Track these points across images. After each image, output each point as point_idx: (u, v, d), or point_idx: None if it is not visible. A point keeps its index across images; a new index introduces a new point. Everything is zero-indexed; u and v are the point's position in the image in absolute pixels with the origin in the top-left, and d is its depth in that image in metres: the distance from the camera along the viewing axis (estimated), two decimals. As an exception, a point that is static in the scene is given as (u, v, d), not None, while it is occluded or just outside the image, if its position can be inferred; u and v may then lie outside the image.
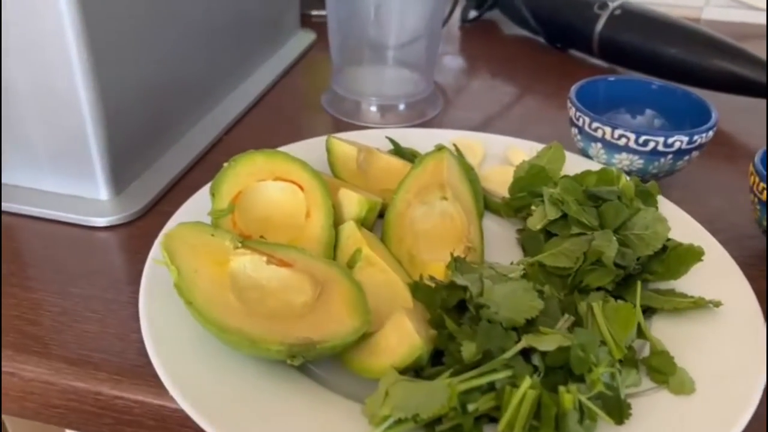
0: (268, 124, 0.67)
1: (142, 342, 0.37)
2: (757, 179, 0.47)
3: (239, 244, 0.40)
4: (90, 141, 0.48)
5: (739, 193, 0.58)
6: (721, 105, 0.57)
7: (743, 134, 0.67)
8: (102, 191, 0.51)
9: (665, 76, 0.73)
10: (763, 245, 0.51)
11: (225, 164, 0.45)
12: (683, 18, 0.75)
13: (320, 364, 0.37)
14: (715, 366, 0.37)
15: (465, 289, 0.35)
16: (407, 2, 0.65)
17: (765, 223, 0.47)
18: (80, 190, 0.51)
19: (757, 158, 0.48)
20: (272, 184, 0.45)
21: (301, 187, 0.45)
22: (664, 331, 0.39)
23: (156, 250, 0.42)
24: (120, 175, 0.51)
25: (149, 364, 0.36)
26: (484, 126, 0.69)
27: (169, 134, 0.58)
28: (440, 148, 0.49)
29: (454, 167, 0.48)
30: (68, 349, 0.40)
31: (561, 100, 0.75)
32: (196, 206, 0.47)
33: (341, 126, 0.67)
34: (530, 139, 0.60)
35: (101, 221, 0.50)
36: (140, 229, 0.50)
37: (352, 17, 0.66)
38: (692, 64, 0.71)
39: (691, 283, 0.42)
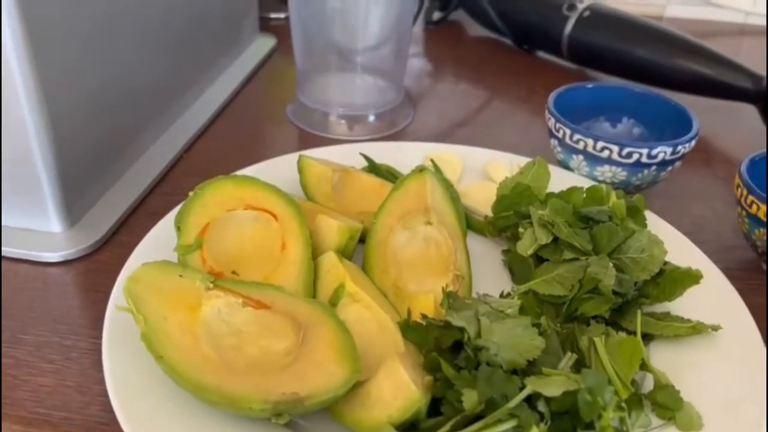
0: (231, 138, 0.63)
1: (106, 395, 0.34)
2: (745, 192, 0.45)
3: (211, 285, 0.37)
4: (38, 168, 0.44)
5: (719, 201, 0.57)
6: (691, 108, 0.56)
7: (716, 138, 0.67)
8: (54, 223, 0.46)
9: (635, 78, 0.72)
10: (749, 256, 0.50)
11: (190, 193, 0.42)
12: (646, 15, 0.75)
13: (307, 416, 0.34)
14: (720, 395, 0.36)
15: (461, 329, 0.33)
16: (373, 3, 0.62)
17: (754, 238, 0.46)
18: (30, 223, 0.46)
19: (742, 168, 0.47)
20: (243, 214, 0.42)
21: (274, 216, 0.42)
22: (663, 358, 0.38)
23: (118, 295, 0.39)
24: (73, 204, 0.47)
25: (115, 421, 0.33)
26: (455, 135, 0.67)
27: (125, 156, 0.54)
28: (421, 169, 0.46)
29: (437, 189, 0.45)
30: (23, 408, 0.36)
31: (532, 105, 0.73)
32: (159, 238, 0.44)
33: (308, 138, 0.64)
34: (506, 148, 0.58)
35: (54, 256, 0.45)
36: (98, 263, 0.46)
37: (315, 20, 0.63)
38: (661, 66, 0.70)
39: (683, 303, 0.41)
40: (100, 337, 0.39)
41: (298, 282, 0.39)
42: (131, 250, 0.43)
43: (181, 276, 0.37)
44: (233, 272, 0.40)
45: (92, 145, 0.49)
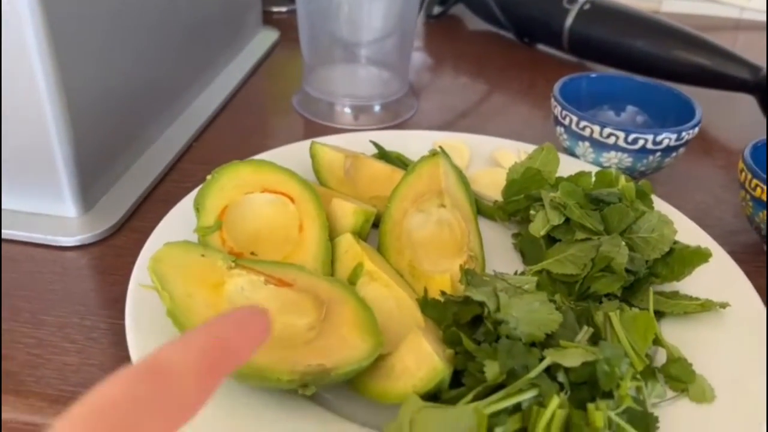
0: (238, 128, 0.64)
1: (129, 373, 0.34)
2: (749, 176, 0.46)
3: (233, 264, 0.37)
4: (56, 153, 0.45)
5: (720, 187, 0.58)
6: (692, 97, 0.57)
7: (715, 128, 0.68)
8: (70, 208, 0.47)
9: (635, 70, 0.73)
10: (752, 239, 0.51)
11: (208, 176, 0.42)
12: (643, 9, 0.76)
13: (331, 389, 0.35)
14: (729, 369, 0.37)
15: (481, 304, 0.33)
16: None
17: (758, 221, 0.47)
18: (47, 208, 0.47)
19: (746, 153, 0.48)
20: (261, 197, 0.42)
21: (291, 199, 0.42)
22: (673, 335, 0.39)
23: (140, 274, 0.39)
24: (88, 190, 0.48)
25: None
26: (458, 125, 0.68)
27: (138, 143, 0.54)
28: (434, 154, 0.47)
29: (450, 173, 0.46)
30: (48, 386, 0.36)
31: (533, 97, 0.74)
32: (176, 222, 0.44)
33: (314, 128, 0.65)
34: (509, 138, 0.59)
35: (71, 240, 0.46)
36: (113, 248, 0.47)
37: (322, 13, 0.64)
38: (660, 58, 0.71)
39: (691, 282, 0.42)
40: (118, 318, 0.40)
41: (316, 262, 0.40)
42: (145, 235, 0.43)
43: (203, 255, 0.37)
44: (252, 253, 0.40)
45: (106, 134, 0.49)
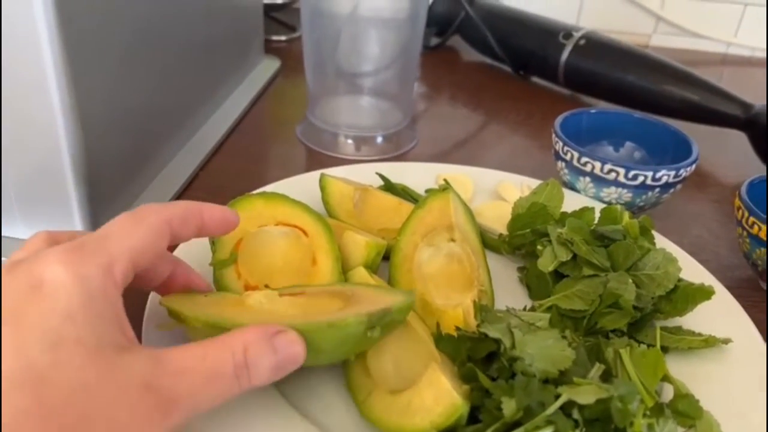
0: (243, 157, 0.65)
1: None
2: (746, 213, 0.48)
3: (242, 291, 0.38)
4: (68, 180, 0.45)
5: (715, 222, 0.60)
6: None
7: (708, 163, 0.70)
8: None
9: (629, 105, 0.75)
10: (748, 274, 0.53)
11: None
12: (634, 44, 0.78)
13: (350, 426, 0.35)
14: (733, 404, 0.38)
15: (497, 341, 0.34)
16: (382, 29, 0.65)
17: (755, 257, 0.48)
18: (57, 235, 0.47)
19: (743, 191, 0.50)
20: (275, 229, 0.43)
21: (304, 232, 0.43)
22: (678, 369, 0.40)
23: (152, 314, 0.39)
24: (99, 218, 0.48)
25: None
26: (456, 156, 0.69)
27: (148, 169, 0.55)
28: (444, 189, 0.48)
29: (460, 208, 0.47)
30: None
31: (529, 128, 0.76)
32: (187, 253, 0.45)
33: (317, 158, 0.66)
34: (507, 169, 0.60)
35: (81, 270, 0.46)
36: (124, 277, 0.47)
37: (327, 42, 0.65)
38: (655, 93, 0.73)
39: (693, 318, 0.43)
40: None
41: (330, 296, 0.40)
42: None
43: (206, 296, 0.38)
44: (266, 286, 0.41)
45: (117, 161, 0.50)
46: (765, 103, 0.66)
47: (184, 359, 0.27)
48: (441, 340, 0.37)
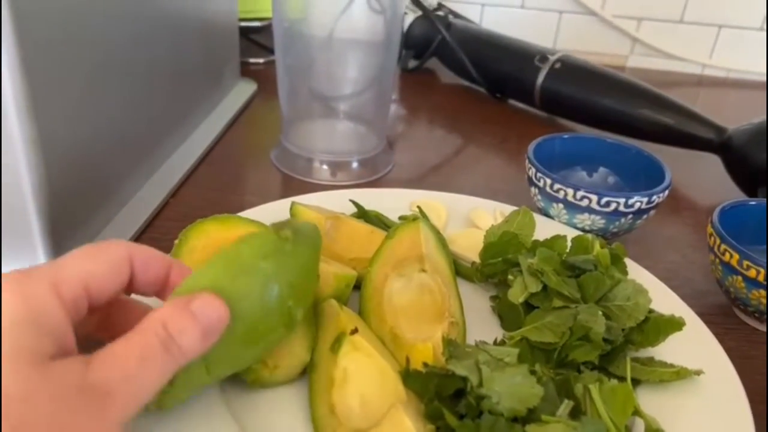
0: (216, 183, 0.64)
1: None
2: (718, 240, 0.48)
3: None
4: (30, 214, 0.44)
5: (689, 247, 0.60)
6: (658, 157, 0.59)
7: (683, 186, 0.70)
8: (44, 270, 0.46)
9: (604, 128, 0.76)
10: (721, 301, 0.53)
11: (176, 241, 0.42)
12: (609, 66, 0.79)
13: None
14: (704, 437, 0.37)
15: (464, 379, 0.34)
16: (355, 51, 0.65)
17: (727, 284, 0.48)
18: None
19: (714, 218, 0.49)
20: None
21: None
22: (649, 401, 0.39)
23: None
24: (63, 251, 0.46)
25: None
26: (432, 180, 0.69)
27: (113, 202, 0.54)
28: (414, 218, 0.47)
29: (430, 238, 0.46)
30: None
31: (505, 151, 0.76)
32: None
33: (292, 183, 0.65)
34: (483, 193, 0.60)
35: (44, 304, 0.45)
36: (88, 311, 0.46)
37: (301, 67, 0.65)
38: (630, 117, 0.73)
39: (665, 348, 0.43)
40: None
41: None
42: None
43: None
44: None
45: (81, 193, 0.49)
46: (740, 125, 0.67)
47: (112, 352, 0.28)
48: (408, 377, 0.36)
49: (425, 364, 0.36)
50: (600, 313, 0.39)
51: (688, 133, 0.70)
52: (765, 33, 1.01)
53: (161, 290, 0.34)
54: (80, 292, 0.29)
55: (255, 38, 0.94)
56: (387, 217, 0.54)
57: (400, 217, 0.55)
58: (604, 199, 0.52)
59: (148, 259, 0.33)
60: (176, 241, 0.42)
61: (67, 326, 0.29)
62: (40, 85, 0.41)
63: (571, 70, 0.78)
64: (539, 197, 0.56)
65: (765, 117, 0.65)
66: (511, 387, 0.33)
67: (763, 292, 0.46)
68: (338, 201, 0.55)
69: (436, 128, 0.82)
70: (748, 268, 0.46)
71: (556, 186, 0.53)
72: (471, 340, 0.43)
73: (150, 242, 0.53)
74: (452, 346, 0.37)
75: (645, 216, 0.54)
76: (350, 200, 0.55)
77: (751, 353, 0.48)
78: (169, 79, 0.61)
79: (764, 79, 1.05)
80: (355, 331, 0.39)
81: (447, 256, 0.48)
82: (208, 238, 0.42)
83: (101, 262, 0.31)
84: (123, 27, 0.51)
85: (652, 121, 0.71)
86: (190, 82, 0.67)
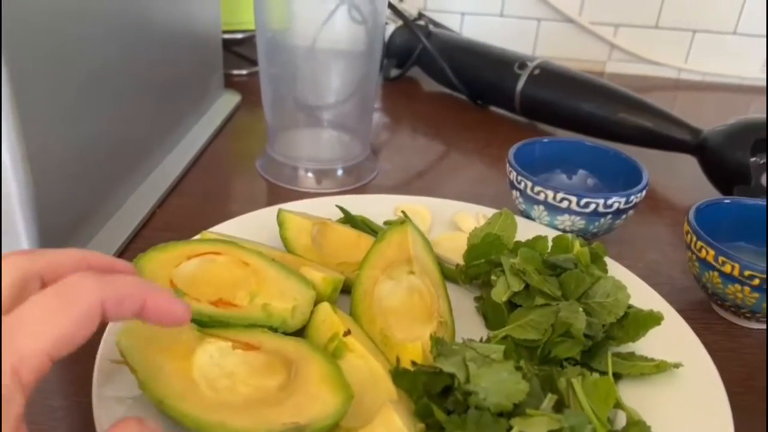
0: (202, 192, 0.65)
1: (97, 454, 0.34)
2: (694, 238, 0.49)
3: (199, 334, 0.38)
4: (19, 226, 0.44)
5: (668, 246, 0.61)
6: (636, 158, 0.60)
7: (661, 186, 0.72)
8: (33, 281, 0.46)
9: (584, 132, 0.77)
10: (700, 297, 0.54)
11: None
12: (588, 71, 0.80)
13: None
14: (685, 429, 0.38)
15: (452, 375, 0.34)
16: (338, 61, 0.66)
17: (704, 280, 0.50)
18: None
19: (690, 216, 0.51)
20: (198, 259, 0.43)
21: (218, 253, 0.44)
22: (631, 395, 0.40)
23: (106, 350, 0.39)
24: (52, 263, 0.47)
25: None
26: (416, 186, 0.70)
27: (100, 213, 0.54)
28: (402, 222, 0.48)
29: (418, 240, 0.47)
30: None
31: (487, 157, 0.77)
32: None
33: (278, 192, 0.66)
34: (466, 198, 0.61)
35: (34, 315, 0.45)
36: (78, 321, 0.46)
37: (284, 77, 0.66)
38: (608, 120, 0.75)
39: (645, 343, 0.44)
40: (83, 395, 0.39)
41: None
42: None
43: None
44: (220, 299, 0.41)
45: (69, 205, 0.49)
46: (714, 127, 0.68)
47: None
48: (398, 376, 0.37)
49: (413, 363, 0.37)
50: (580, 309, 0.41)
51: (665, 135, 0.71)
52: (738, 37, 1.04)
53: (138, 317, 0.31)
54: (44, 364, 0.26)
55: (237, 50, 0.95)
56: (373, 222, 0.55)
57: (386, 222, 0.56)
58: (584, 200, 0.53)
59: (124, 297, 0.29)
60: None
61: (20, 414, 0.26)
62: (28, 99, 0.42)
63: (550, 76, 0.79)
64: (521, 200, 0.57)
65: (738, 118, 0.67)
66: (497, 383, 0.34)
67: (738, 287, 0.47)
68: (325, 208, 0.56)
69: (420, 135, 0.83)
70: (724, 263, 0.47)
71: (537, 188, 0.55)
72: (458, 339, 0.44)
73: (136, 253, 0.54)
74: (440, 344, 0.38)
75: (624, 216, 0.55)
76: (337, 206, 0.56)
77: (729, 346, 0.49)
78: (155, 92, 0.62)
79: (739, 81, 1.08)
80: (348, 332, 0.39)
81: (434, 259, 0.49)
82: (159, 261, 0.43)
83: (70, 321, 0.27)
84: (110, 40, 0.52)
85: (630, 124, 0.73)
86: (176, 93, 0.68)
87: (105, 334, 0.41)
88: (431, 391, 0.35)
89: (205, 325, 0.39)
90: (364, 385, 0.37)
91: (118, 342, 0.36)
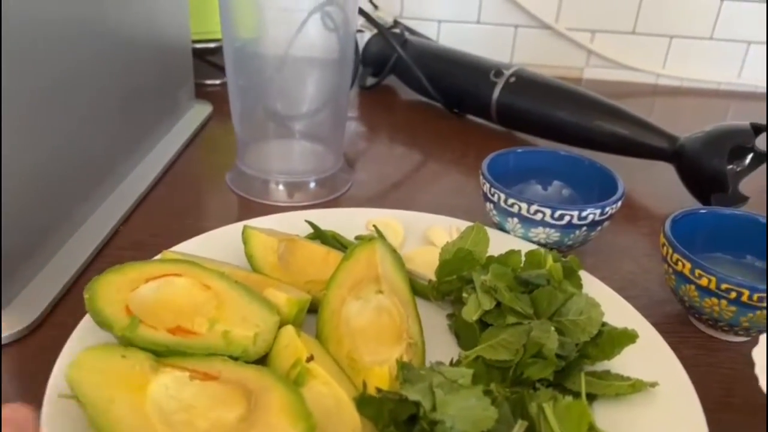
0: (169, 208, 0.63)
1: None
2: (670, 250, 0.48)
3: (155, 363, 0.36)
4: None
5: (645, 257, 0.60)
6: (613, 166, 0.60)
7: (638, 195, 0.71)
8: (-15, 306, 0.44)
9: (561, 140, 0.76)
10: (677, 309, 0.53)
11: (86, 295, 0.40)
12: (566, 77, 0.79)
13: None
14: (661, 451, 0.37)
15: (417, 404, 0.33)
16: (310, 70, 0.64)
17: (681, 293, 0.49)
18: (-42, 307, 0.44)
19: (666, 228, 0.50)
20: (157, 281, 0.41)
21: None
22: (605, 416, 0.39)
23: (57, 382, 0.37)
24: (7, 284, 0.45)
25: None
26: (392, 197, 0.69)
27: (61, 231, 0.52)
28: (370, 238, 0.47)
29: (387, 257, 0.46)
30: None
31: (465, 167, 0.76)
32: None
33: (248, 206, 0.64)
34: (442, 210, 0.60)
35: (-14, 341, 0.43)
36: (33, 347, 0.44)
37: (253, 89, 0.64)
38: (584, 128, 0.74)
39: (621, 360, 0.42)
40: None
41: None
42: (68, 331, 0.41)
43: (123, 356, 0.36)
44: (178, 327, 0.39)
45: (28, 223, 0.47)
46: (691, 134, 0.68)
47: None
48: (362, 403, 0.36)
49: (378, 390, 0.36)
50: (552, 328, 0.39)
51: (642, 143, 0.70)
52: (714, 42, 1.04)
53: None
54: None
55: (211, 59, 0.93)
56: (344, 237, 0.54)
57: (357, 237, 0.54)
58: (558, 212, 0.52)
59: None
60: (86, 295, 0.40)
61: None
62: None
63: (525, 84, 0.78)
64: (494, 212, 0.56)
65: (715, 125, 0.66)
66: (464, 410, 0.33)
67: (715, 300, 0.46)
68: (294, 222, 0.55)
69: (397, 145, 0.82)
70: (700, 276, 0.46)
71: (510, 201, 0.53)
72: (431, 359, 0.42)
73: (97, 273, 0.52)
74: (406, 370, 0.36)
75: (599, 227, 0.54)
76: (306, 221, 0.54)
77: (707, 361, 0.48)
78: (120, 103, 0.60)
79: (716, 87, 1.08)
80: (310, 358, 0.38)
81: (404, 275, 0.47)
82: (120, 282, 0.41)
83: None
84: (71, 50, 0.50)
85: (607, 132, 0.72)
86: (143, 105, 0.66)
87: (56, 367, 0.39)
88: (397, 419, 0.34)
89: (162, 354, 0.37)
90: (328, 414, 0.36)
91: (67, 375, 0.34)
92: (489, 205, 0.56)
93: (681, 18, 1.02)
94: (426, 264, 0.52)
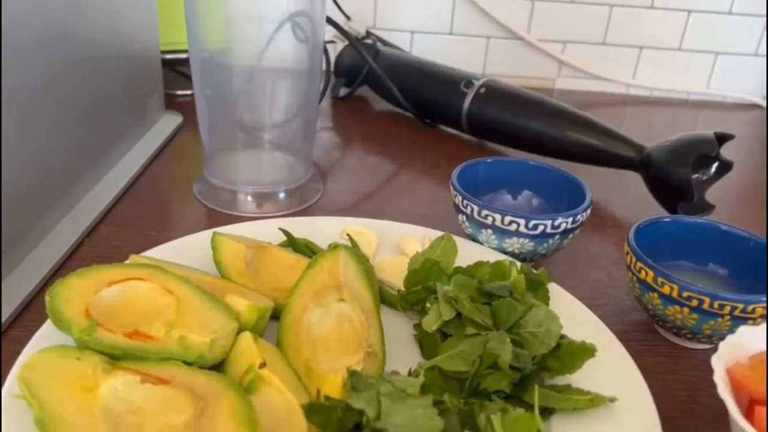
0: (136, 220, 0.62)
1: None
2: (634, 259, 0.49)
3: (110, 366, 0.36)
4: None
5: (613, 265, 0.61)
6: (582, 175, 0.60)
7: (607, 203, 0.71)
8: (-60, 321, 0.44)
9: (530, 150, 0.77)
10: (643, 318, 0.53)
11: (47, 297, 0.40)
12: (539, 88, 0.80)
13: None
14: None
15: (361, 412, 0.33)
16: (279, 80, 0.64)
17: (645, 301, 0.49)
18: None
19: (630, 236, 0.50)
20: (119, 286, 0.41)
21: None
22: (564, 430, 0.39)
23: (12, 384, 0.37)
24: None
25: None
26: (364, 207, 0.68)
27: (22, 244, 0.51)
28: (335, 247, 0.47)
29: (350, 265, 0.46)
30: None
31: (436, 177, 0.76)
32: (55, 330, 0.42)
33: (218, 217, 0.64)
34: (414, 219, 0.60)
35: (-61, 357, 0.42)
36: (-6, 356, 0.44)
37: (221, 100, 0.64)
38: (553, 138, 0.74)
39: (583, 373, 0.42)
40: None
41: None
42: (25, 346, 0.41)
43: (78, 359, 0.36)
44: (135, 332, 0.39)
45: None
46: (657, 144, 0.68)
47: None
48: (311, 410, 0.35)
49: (326, 397, 0.35)
50: (508, 340, 0.39)
51: (610, 152, 0.71)
52: (683, 53, 1.05)
53: None
54: None
55: (182, 70, 0.93)
56: (316, 245, 0.53)
57: (330, 246, 0.54)
58: (532, 222, 0.52)
59: None
60: (47, 298, 0.40)
61: None
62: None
63: (495, 94, 0.79)
64: (467, 224, 0.56)
65: (680, 134, 0.67)
66: (410, 419, 0.33)
67: (678, 308, 0.46)
68: (267, 231, 0.54)
69: (369, 155, 0.82)
70: (663, 285, 0.46)
71: (484, 212, 0.53)
72: (394, 368, 0.42)
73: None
74: (355, 378, 0.36)
75: (570, 236, 0.54)
76: (279, 228, 0.54)
77: (672, 368, 0.48)
78: (87, 113, 0.59)
79: (685, 97, 1.09)
80: (263, 365, 0.38)
81: (371, 285, 0.47)
82: (81, 287, 0.41)
83: None
84: (35, 58, 0.50)
85: (575, 141, 0.73)
86: (111, 115, 0.65)
87: (12, 370, 0.38)
88: (345, 426, 0.34)
89: (118, 358, 0.37)
90: (278, 421, 0.35)
91: (19, 375, 0.35)
92: (461, 217, 0.56)
93: (650, 29, 1.04)
94: (397, 273, 0.51)
